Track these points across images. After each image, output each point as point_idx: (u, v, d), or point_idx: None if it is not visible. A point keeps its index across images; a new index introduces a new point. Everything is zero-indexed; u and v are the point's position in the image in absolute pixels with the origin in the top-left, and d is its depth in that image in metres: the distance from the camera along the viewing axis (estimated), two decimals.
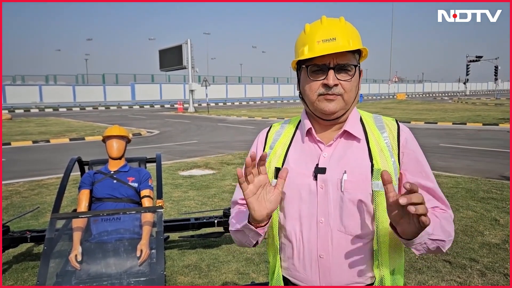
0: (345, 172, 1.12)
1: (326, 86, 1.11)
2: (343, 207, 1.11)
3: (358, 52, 1.16)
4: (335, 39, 1.10)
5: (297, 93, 1.26)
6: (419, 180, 1.15)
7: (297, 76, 1.22)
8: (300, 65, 1.18)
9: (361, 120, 1.22)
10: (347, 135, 1.18)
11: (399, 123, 1.22)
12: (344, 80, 1.12)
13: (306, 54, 1.12)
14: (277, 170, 1.20)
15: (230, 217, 1.31)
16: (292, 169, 1.18)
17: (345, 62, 1.11)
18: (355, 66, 1.14)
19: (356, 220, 1.11)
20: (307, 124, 1.22)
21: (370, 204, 1.11)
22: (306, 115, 1.25)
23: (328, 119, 1.18)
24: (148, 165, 3.75)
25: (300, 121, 1.28)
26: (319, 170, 1.14)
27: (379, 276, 1.13)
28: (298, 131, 1.26)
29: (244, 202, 1.29)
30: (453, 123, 18.01)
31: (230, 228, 1.26)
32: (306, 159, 1.18)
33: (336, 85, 1.11)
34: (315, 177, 1.14)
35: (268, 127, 1.34)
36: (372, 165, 1.12)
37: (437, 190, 1.17)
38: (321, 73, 1.12)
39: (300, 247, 1.15)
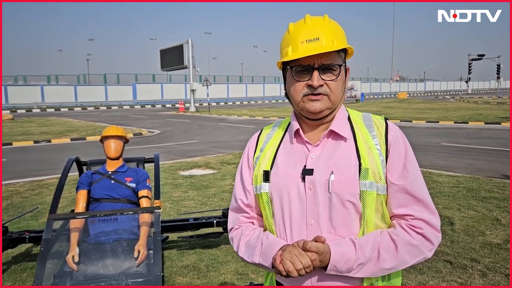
0: (332, 173, 1.10)
1: (310, 86, 1.11)
2: (332, 208, 1.10)
3: (343, 50, 1.15)
4: (318, 39, 1.09)
5: None
6: (399, 182, 1.11)
7: (283, 76, 1.21)
8: (285, 65, 1.17)
9: (349, 119, 1.21)
10: (334, 135, 1.17)
11: (388, 122, 1.20)
12: (329, 80, 1.11)
13: (290, 55, 1.11)
14: (266, 173, 1.19)
15: (235, 236, 1.24)
16: (280, 171, 1.17)
17: (329, 62, 1.10)
18: (340, 65, 1.12)
19: (345, 221, 1.10)
20: (295, 125, 1.21)
21: (358, 204, 1.09)
22: (294, 116, 1.24)
23: (314, 119, 1.17)
24: (146, 165, 3.74)
25: (289, 122, 1.27)
26: (306, 172, 1.13)
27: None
28: (287, 133, 1.26)
29: (249, 209, 1.25)
30: (454, 122, 17.94)
31: (240, 255, 1.20)
32: (295, 161, 1.17)
33: (321, 85, 1.10)
34: (303, 179, 1.13)
35: (260, 130, 1.34)
36: (360, 164, 1.10)
37: (419, 193, 1.11)
38: (306, 73, 1.11)
39: None
